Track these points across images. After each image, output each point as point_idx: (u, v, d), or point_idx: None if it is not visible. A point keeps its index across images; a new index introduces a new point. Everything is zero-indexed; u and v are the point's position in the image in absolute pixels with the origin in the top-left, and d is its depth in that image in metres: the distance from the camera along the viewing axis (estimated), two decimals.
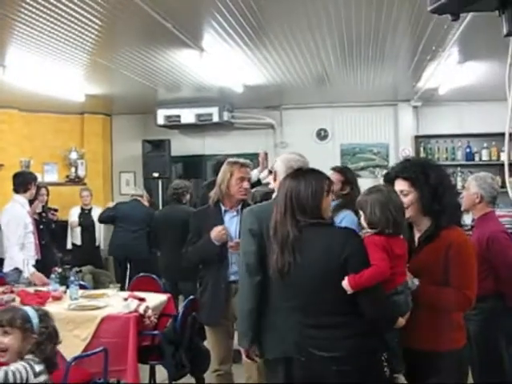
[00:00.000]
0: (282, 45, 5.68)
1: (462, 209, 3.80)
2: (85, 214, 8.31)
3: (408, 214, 2.70)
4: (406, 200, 2.70)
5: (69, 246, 8.20)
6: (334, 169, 4.44)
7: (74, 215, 8.28)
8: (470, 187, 3.87)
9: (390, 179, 2.87)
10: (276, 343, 3.04)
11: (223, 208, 3.89)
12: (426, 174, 2.72)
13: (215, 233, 3.74)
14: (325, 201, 2.62)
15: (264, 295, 3.05)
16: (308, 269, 2.51)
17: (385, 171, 9.40)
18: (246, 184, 3.82)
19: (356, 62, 6.51)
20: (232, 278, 3.77)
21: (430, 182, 2.69)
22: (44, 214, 6.72)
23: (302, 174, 2.70)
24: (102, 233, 8.47)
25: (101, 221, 7.78)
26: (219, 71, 6.58)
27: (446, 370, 2.61)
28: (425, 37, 5.27)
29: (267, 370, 3.26)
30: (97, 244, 8.33)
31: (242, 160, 3.96)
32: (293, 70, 6.79)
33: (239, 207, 3.89)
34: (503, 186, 6.14)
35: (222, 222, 3.82)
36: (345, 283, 2.40)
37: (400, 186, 2.75)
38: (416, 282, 2.59)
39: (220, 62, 6.12)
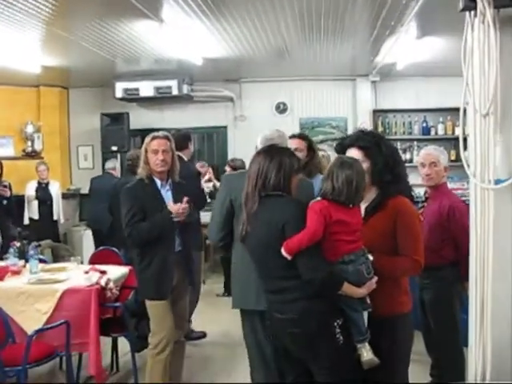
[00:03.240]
0: (242, 16, 5.66)
1: (433, 184, 3.92)
2: (42, 188, 8.17)
3: None
4: None
5: (26, 221, 8.06)
6: (299, 136, 4.42)
7: (30, 189, 8.12)
8: (440, 161, 3.89)
9: (343, 148, 2.95)
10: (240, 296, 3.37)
11: (159, 182, 3.86)
12: (379, 146, 2.82)
13: (176, 208, 3.73)
14: (294, 180, 2.79)
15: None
16: (255, 238, 2.76)
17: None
18: (160, 156, 3.77)
19: (315, 36, 6.54)
20: (178, 248, 3.87)
21: (383, 153, 2.79)
22: None
23: (275, 152, 2.85)
24: (60, 207, 8.35)
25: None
26: (178, 43, 6.52)
27: (398, 332, 2.76)
28: (384, 11, 5.33)
29: (243, 320, 3.46)
30: (55, 218, 8.21)
31: (160, 133, 3.90)
32: (253, 42, 6.77)
33: (170, 181, 3.91)
34: (458, 159, 6.32)
35: (160, 197, 3.82)
36: (282, 249, 2.56)
37: (353, 154, 2.82)
38: (370, 257, 2.68)
39: (179, 34, 6.06)
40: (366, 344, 2.65)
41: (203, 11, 5.32)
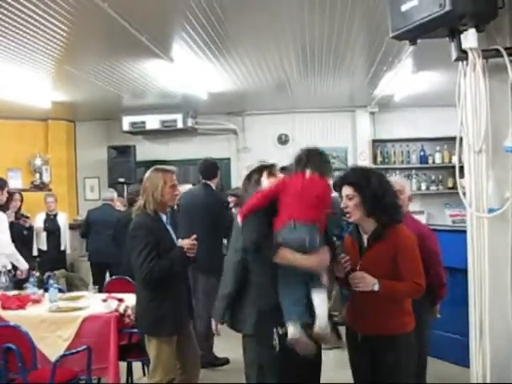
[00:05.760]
0: (248, 54, 5.97)
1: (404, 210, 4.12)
2: (50, 220, 8.35)
3: (354, 217, 3.08)
4: (351, 203, 3.06)
5: (35, 252, 8.24)
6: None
7: (39, 221, 8.31)
8: (404, 190, 4.03)
9: (338, 186, 3.20)
10: None
11: (163, 216, 3.89)
12: (368, 179, 3.07)
13: (187, 243, 3.78)
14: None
15: None
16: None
17: None
18: (177, 191, 3.95)
19: (317, 71, 6.85)
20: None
21: (371, 186, 3.04)
22: (16, 221, 6.76)
23: None
24: (67, 238, 8.54)
25: (82, 235, 8.12)
26: (186, 79, 6.82)
27: (402, 350, 2.98)
28: (381, 50, 5.65)
29: None
30: (62, 248, 8.39)
31: (171, 167, 4.00)
32: (256, 77, 7.08)
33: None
34: (454, 187, 6.57)
35: (167, 231, 3.89)
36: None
37: (346, 191, 3.10)
38: (376, 288, 2.91)
39: (187, 71, 6.36)
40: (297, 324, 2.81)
41: (211, 50, 5.62)
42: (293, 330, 2.77)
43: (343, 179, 3.17)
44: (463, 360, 4.98)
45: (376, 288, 2.91)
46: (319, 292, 2.89)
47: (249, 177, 3.30)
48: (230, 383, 4.77)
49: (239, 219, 3.08)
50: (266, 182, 3.19)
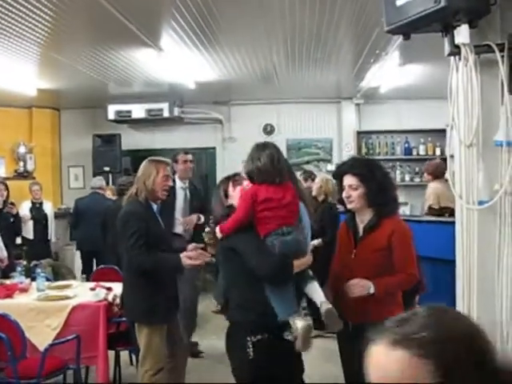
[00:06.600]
0: (236, 44, 5.97)
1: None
2: (36, 208, 8.29)
3: (355, 205, 3.12)
4: (354, 194, 3.09)
5: (19, 241, 8.18)
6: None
7: (25, 209, 8.25)
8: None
9: (340, 174, 3.24)
10: None
11: (154, 205, 3.92)
12: (373, 172, 3.11)
13: (195, 255, 3.73)
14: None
15: None
16: None
17: (328, 165, 9.70)
18: (169, 182, 3.99)
19: (304, 62, 6.87)
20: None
21: (376, 178, 3.08)
22: (3, 210, 6.70)
23: None
24: (53, 226, 8.50)
25: (72, 226, 8.23)
26: (174, 69, 6.79)
27: None
28: (369, 42, 5.68)
29: None
30: (49, 238, 8.36)
31: (165, 159, 4.08)
32: (244, 67, 7.08)
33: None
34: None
35: (157, 220, 3.93)
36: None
37: (349, 181, 3.11)
38: (372, 290, 2.96)
39: (176, 60, 6.34)
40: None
41: (200, 40, 5.61)
42: (300, 322, 2.81)
43: (348, 168, 3.18)
44: None
45: (372, 291, 2.95)
46: (311, 283, 2.99)
47: (217, 188, 3.30)
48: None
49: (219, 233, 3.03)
50: (234, 193, 3.19)
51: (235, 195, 3.14)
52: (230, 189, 3.21)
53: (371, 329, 2.76)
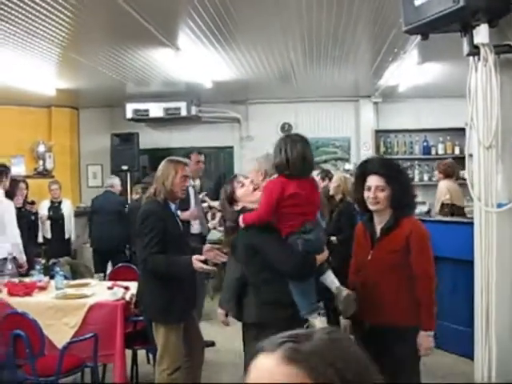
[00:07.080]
0: (253, 43, 5.97)
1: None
2: (54, 207, 8.36)
3: (380, 206, 3.07)
4: (381, 195, 3.04)
5: (40, 240, 8.27)
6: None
7: (43, 208, 8.32)
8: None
9: (363, 172, 3.18)
10: None
11: (172, 205, 3.96)
12: (399, 173, 3.12)
13: (212, 255, 3.81)
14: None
15: None
16: None
17: (346, 164, 9.63)
18: (187, 182, 4.03)
19: (322, 62, 6.86)
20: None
21: (401, 181, 3.08)
22: (23, 209, 6.77)
23: None
24: (72, 225, 8.57)
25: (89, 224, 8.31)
26: (191, 68, 6.81)
27: (408, 345, 2.97)
28: (387, 41, 5.64)
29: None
30: (67, 237, 8.42)
31: (184, 159, 4.11)
32: (261, 66, 7.07)
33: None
34: (457, 178, 6.60)
35: (176, 219, 3.96)
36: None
37: (376, 181, 3.06)
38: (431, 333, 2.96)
39: (193, 60, 6.36)
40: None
41: (217, 39, 5.62)
42: (318, 322, 2.85)
43: (375, 168, 3.12)
44: (457, 349, 5.05)
45: (431, 334, 2.96)
46: (326, 275, 3.06)
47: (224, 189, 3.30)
48: None
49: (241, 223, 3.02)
50: (240, 191, 3.20)
51: (245, 195, 3.16)
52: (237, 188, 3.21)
53: (388, 334, 2.75)
